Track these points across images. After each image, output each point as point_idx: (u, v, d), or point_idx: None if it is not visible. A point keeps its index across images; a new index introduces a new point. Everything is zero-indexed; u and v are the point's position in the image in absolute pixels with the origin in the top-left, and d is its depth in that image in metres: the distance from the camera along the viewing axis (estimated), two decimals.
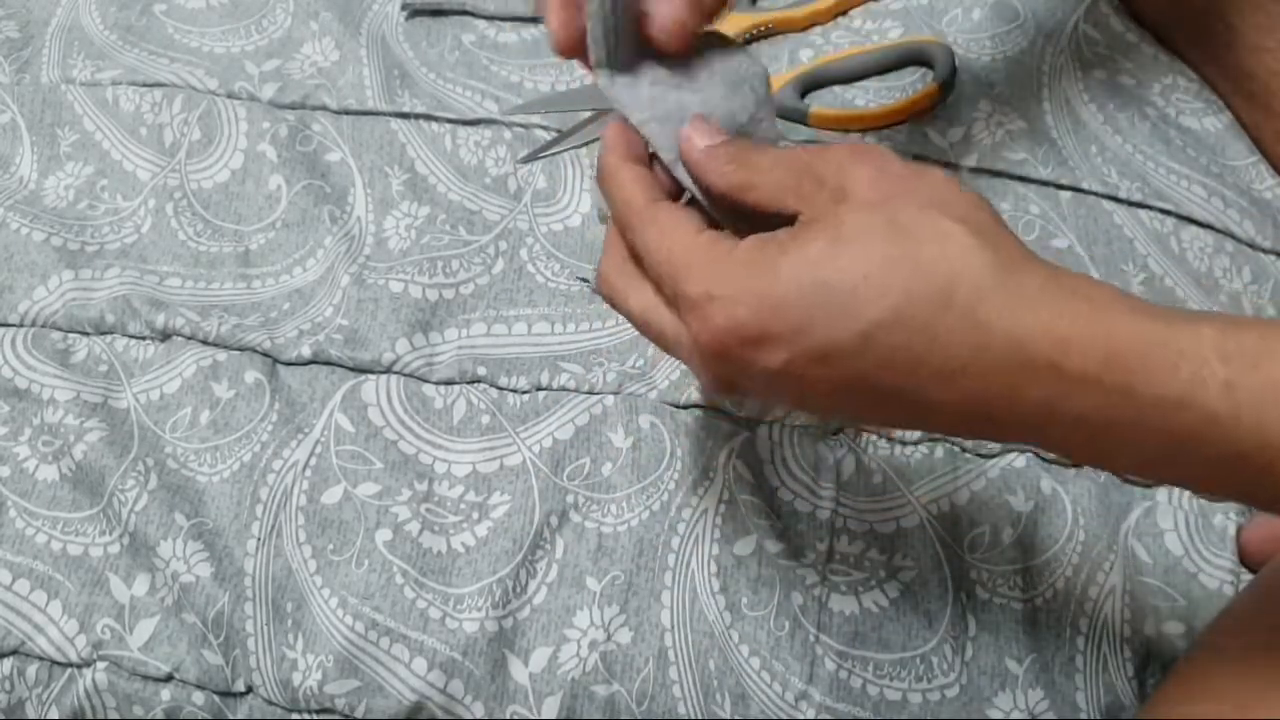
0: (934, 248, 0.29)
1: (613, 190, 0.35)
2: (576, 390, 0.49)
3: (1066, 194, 0.55)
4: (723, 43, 0.38)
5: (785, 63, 0.60)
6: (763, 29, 0.61)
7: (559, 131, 0.56)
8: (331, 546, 0.46)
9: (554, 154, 0.56)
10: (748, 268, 0.31)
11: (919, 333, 0.29)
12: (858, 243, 0.30)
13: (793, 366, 0.30)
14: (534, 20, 0.61)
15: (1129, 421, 0.28)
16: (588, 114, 0.56)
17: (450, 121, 0.56)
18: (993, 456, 0.48)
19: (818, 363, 0.30)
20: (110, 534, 0.46)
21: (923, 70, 0.58)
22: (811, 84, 0.58)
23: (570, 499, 0.47)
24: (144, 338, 0.50)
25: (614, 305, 0.36)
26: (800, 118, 0.57)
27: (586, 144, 0.56)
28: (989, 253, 0.29)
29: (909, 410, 0.31)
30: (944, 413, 0.30)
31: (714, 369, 0.33)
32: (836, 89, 0.58)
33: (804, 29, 0.61)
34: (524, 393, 0.49)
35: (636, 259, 0.35)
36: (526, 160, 0.55)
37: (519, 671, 0.44)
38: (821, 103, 0.58)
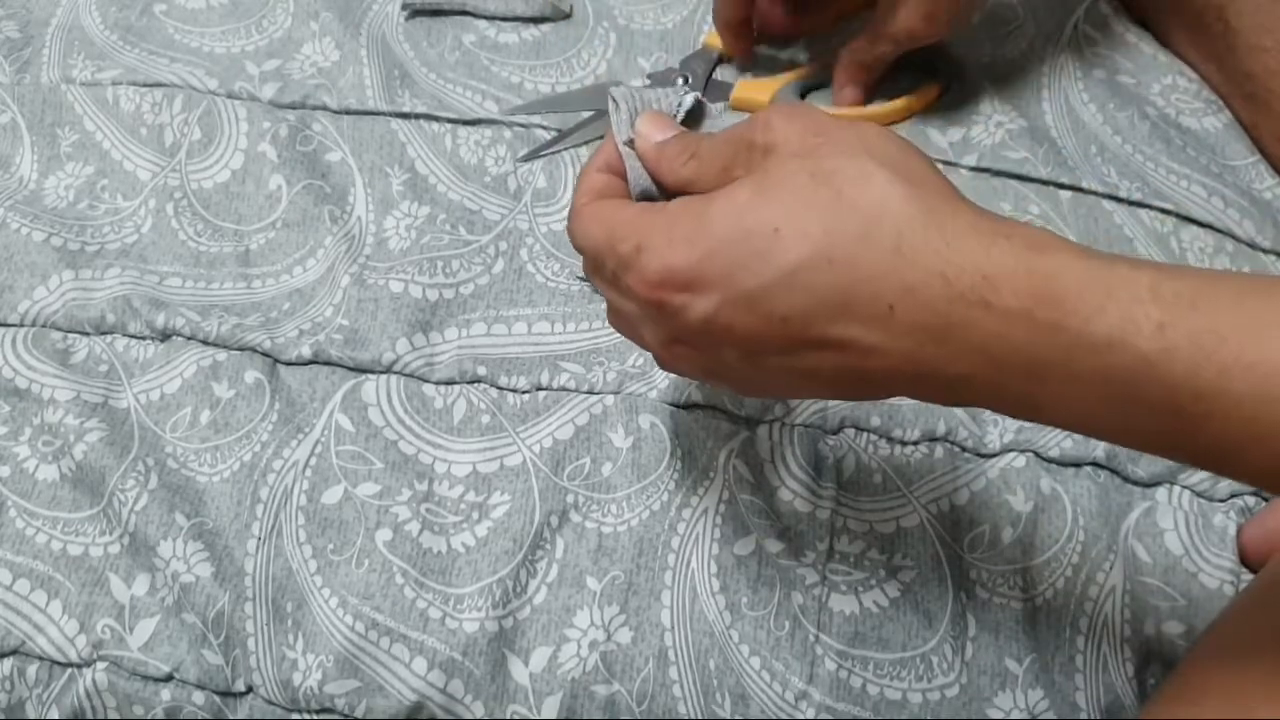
0: (855, 189, 0.29)
1: (574, 198, 0.36)
2: (576, 390, 0.49)
3: (1066, 194, 0.55)
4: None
5: (784, 64, 0.60)
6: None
7: (559, 131, 0.56)
8: (331, 546, 0.46)
9: (553, 153, 0.56)
10: (676, 218, 0.31)
11: (844, 272, 0.29)
12: (780, 188, 0.30)
13: (723, 313, 0.30)
14: (534, 20, 0.61)
15: (1060, 363, 0.28)
16: (588, 114, 0.56)
17: (450, 121, 0.57)
18: (993, 456, 0.48)
19: (747, 308, 0.30)
20: (110, 534, 0.46)
21: (922, 70, 0.58)
22: (812, 85, 0.58)
23: (570, 499, 0.47)
24: (144, 338, 0.50)
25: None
26: None
27: (586, 143, 0.56)
28: (913, 191, 0.29)
29: (847, 363, 0.30)
30: (879, 361, 0.30)
31: (655, 329, 0.33)
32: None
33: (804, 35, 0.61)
34: (524, 393, 0.49)
35: (592, 260, 0.35)
36: (527, 159, 0.55)
37: (519, 671, 0.44)
38: (822, 103, 0.58)
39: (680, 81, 0.58)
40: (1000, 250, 0.28)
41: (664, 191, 0.36)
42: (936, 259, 0.28)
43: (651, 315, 0.33)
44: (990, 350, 0.28)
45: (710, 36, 0.60)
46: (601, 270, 0.34)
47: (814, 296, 0.29)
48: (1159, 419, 0.28)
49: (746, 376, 0.33)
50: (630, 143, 0.37)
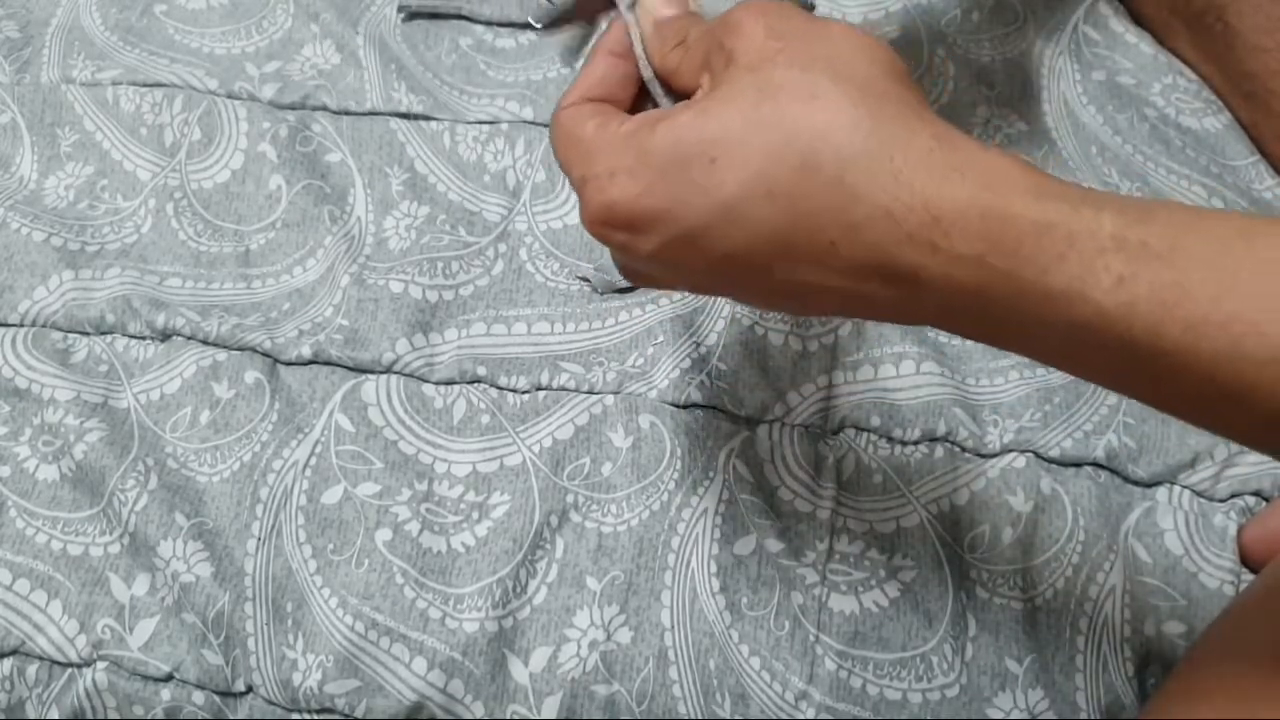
0: (800, 108, 0.27)
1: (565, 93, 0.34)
2: (576, 390, 0.49)
3: None
4: None
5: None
6: None
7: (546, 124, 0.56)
8: (331, 546, 0.46)
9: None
10: (622, 146, 0.29)
11: (784, 206, 0.27)
12: (723, 108, 0.28)
13: (667, 251, 0.29)
14: (529, 26, 0.61)
15: (1014, 312, 0.26)
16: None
17: (449, 120, 0.57)
18: (993, 456, 0.48)
19: (688, 245, 0.29)
20: (110, 534, 0.46)
21: None
22: None
23: (570, 499, 0.47)
24: (144, 338, 0.50)
25: None
26: None
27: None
28: (862, 111, 0.26)
29: (792, 294, 0.29)
30: (827, 298, 0.28)
31: (612, 253, 0.32)
32: None
33: None
34: (524, 392, 0.49)
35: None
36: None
37: (519, 671, 0.44)
38: None
39: None
40: (953, 187, 0.26)
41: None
42: (883, 194, 0.26)
43: (602, 243, 0.31)
44: (940, 295, 0.27)
45: None
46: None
47: (754, 234, 0.27)
48: (1122, 372, 0.27)
49: (706, 289, 0.32)
50: (634, 6, 0.34)
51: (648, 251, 0.29)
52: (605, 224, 0.30)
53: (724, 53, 0.29)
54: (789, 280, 0.28)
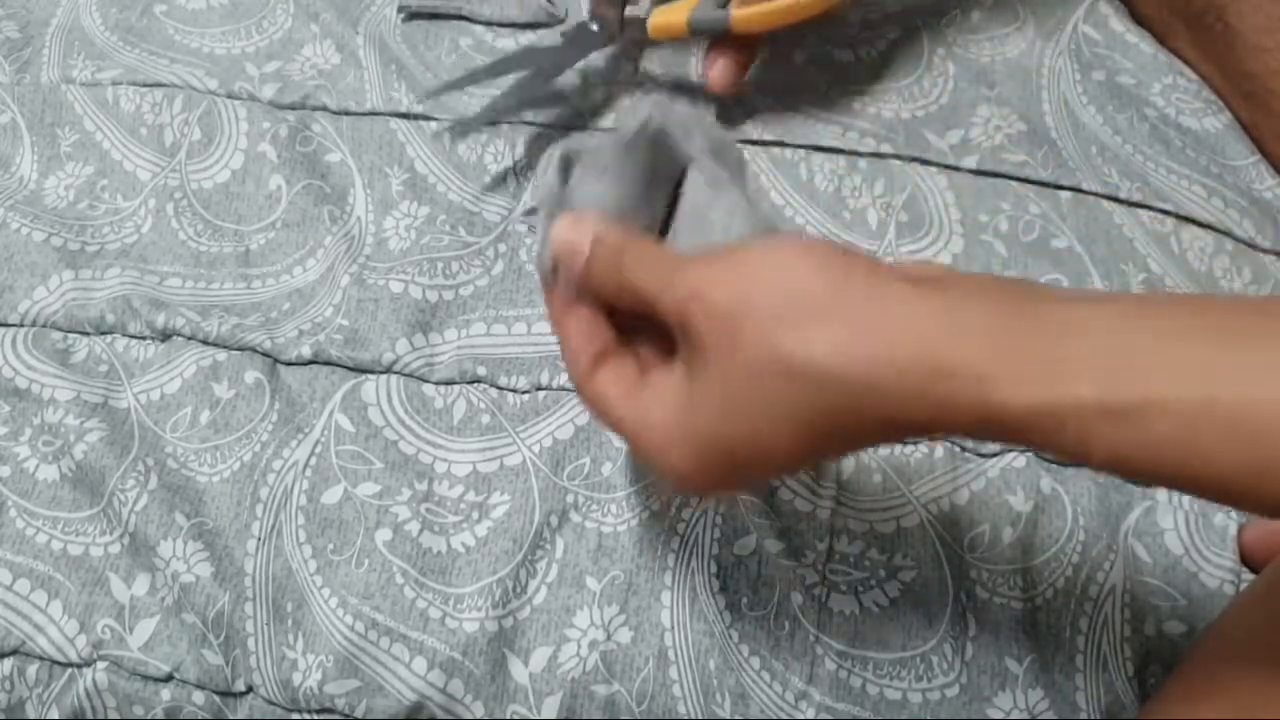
0: (786, 375, 0.29)
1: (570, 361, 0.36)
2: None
3: (1066, 194, 0.55)
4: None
5: None
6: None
7: (548, 126, 0.56)
8: (331, 546, 0.46)
9: (492, 122, 0.55)
10: (657, 425, 0.32)
11: (824, 429, 0.30)
12: (732, 401, 0.31)
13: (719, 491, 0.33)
14: (529, 26, 0.61)
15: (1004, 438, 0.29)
16: (515, 77, 0.56)
17: (449, 121, 0.57)
18: (992, 456, 0.48)
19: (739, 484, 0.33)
20: (110, 534, 0.46)
21: None
22: None
23: (570, 499, 0.47)
24: (144, 338, 0.50)
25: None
26: (723, 27, 0.53)
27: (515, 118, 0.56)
28: (832, 360, 0.29)
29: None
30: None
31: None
32: None
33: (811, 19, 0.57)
34: (524, 392, 0.49)
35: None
36: (458, 133, 0.54)
37: (519, 671, 0.44)
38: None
39: (594, 29, 0.56)
40: (935, 398, 0.28)
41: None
42: (895, 409, 0.29)
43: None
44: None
45: None
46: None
47: (807, 453, 0.31)
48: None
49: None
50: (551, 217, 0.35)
51: (729, 489, 0.33)
52: (689, 489, 0.33)
53: (682, 334, 0.32)
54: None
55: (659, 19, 0.55)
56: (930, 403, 0.28)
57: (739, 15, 0.52)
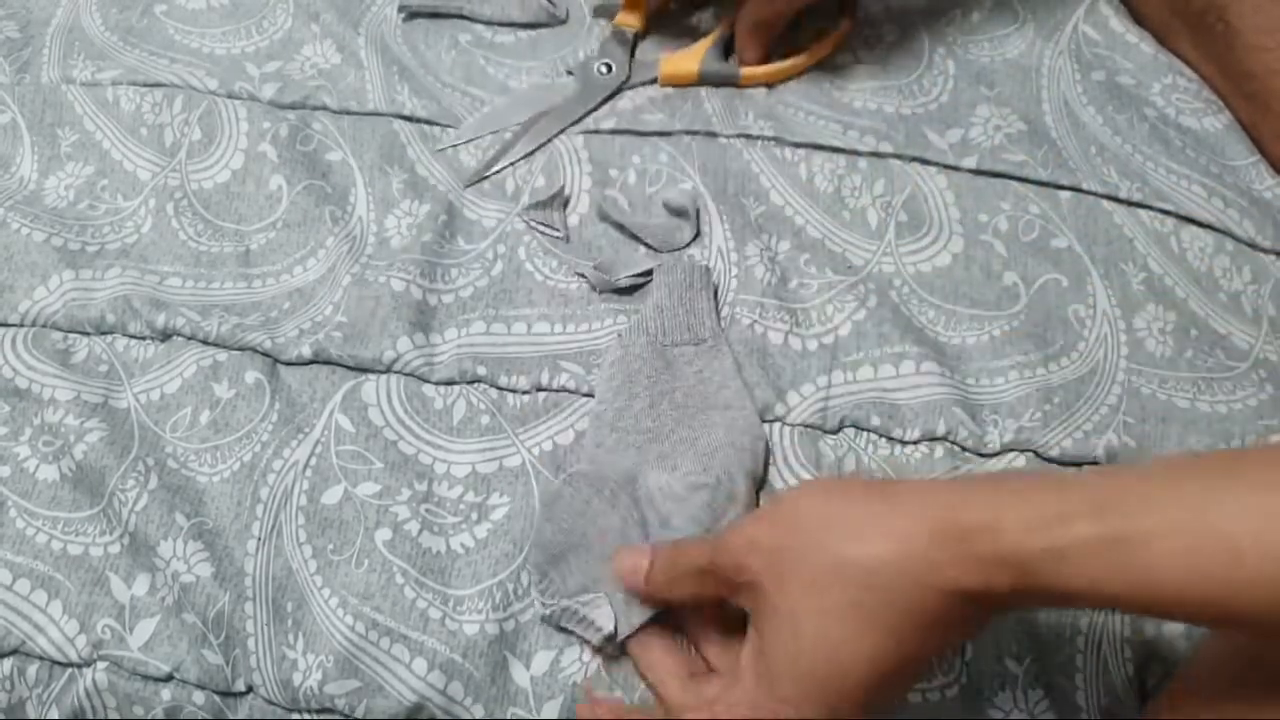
0: (845, 611, 0.34)
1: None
2: (576, 391, 0.49)
3: (1066, 194, 0.55)
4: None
5: (699, 30, 0.60)
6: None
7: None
8: (331, 546, 0.46)
9: (501, 169, 0.56)
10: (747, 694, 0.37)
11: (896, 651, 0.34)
12: (799, 642, 0.35)
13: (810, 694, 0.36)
14: (529, 26, 0.61)
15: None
16: (523, 121, 0.56)
17: (450, 126, 0.57)
18: (993, 456, 0.48)
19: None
20: (110, 534, 0.46)
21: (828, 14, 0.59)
22: (731, 39, 0.59)
23: None
24: (144, 338, 0.50)
25: None
26: (733, 79, 0.58)
27: (537, 149, 0.56)
28: (867, 579, 0.33)
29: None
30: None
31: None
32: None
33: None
34: (524, 393, 0.49)
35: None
36: (471, 184, 0.55)
37: (520, 675, 0.44)
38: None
39: (603, 70, 0.58)
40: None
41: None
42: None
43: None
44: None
45: (620, 16, 0.60)
46: None
47: (898, 687, 0.36)
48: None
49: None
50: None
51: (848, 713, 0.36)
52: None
53: (747, 593, 0.37)
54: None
55: (669, 68, 0.58)
56: (969, 560, 0.32)
57: (748, 73, 0.58)
